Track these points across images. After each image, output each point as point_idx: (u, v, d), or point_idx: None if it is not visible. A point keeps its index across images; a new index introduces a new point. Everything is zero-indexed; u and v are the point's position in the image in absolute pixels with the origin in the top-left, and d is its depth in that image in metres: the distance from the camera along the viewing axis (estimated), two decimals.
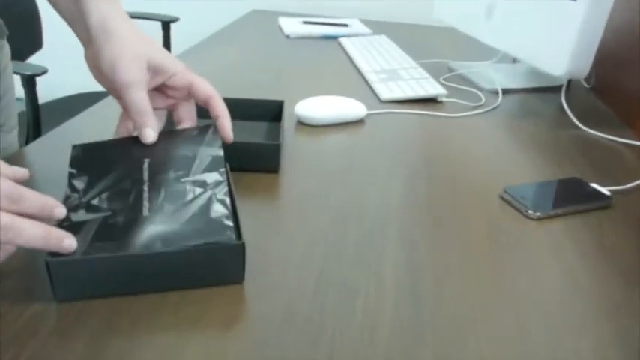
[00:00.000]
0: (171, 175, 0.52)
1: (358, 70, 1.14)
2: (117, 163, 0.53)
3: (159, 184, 0.51)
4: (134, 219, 0.48)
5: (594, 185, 0.69)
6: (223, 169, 0.53)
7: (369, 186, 0.68)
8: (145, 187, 0.51)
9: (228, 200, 0.50)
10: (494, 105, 0.97)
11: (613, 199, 0.67)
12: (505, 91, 1.04)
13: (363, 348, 0.43)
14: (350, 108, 0.86)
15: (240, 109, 0.81)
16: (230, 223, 0.48)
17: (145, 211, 0.48)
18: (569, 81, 1.05)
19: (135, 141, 0.56)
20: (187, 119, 0.61)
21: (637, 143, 0.84)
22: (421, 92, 0.97)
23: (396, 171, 0.72)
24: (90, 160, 0.54)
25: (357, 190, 0.67)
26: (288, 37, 1.38)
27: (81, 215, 0.48)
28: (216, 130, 0.58)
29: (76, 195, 0.50)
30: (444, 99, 0.97)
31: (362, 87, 1.04)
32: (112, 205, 0.49)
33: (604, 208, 0.66)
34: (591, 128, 0.89)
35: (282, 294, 0.48)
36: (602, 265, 0.56)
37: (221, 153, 0.55)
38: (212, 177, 0.52)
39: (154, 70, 0.56)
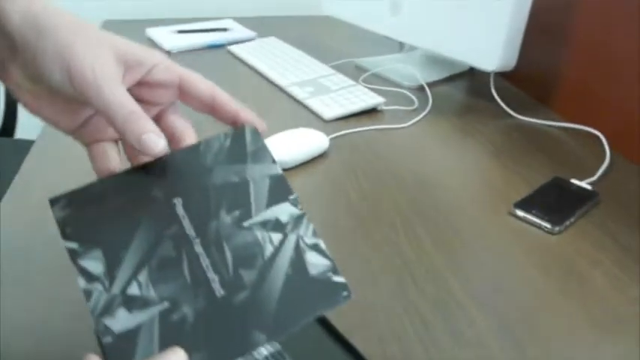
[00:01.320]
0: (226, 219, 0.36)
1: (273, 84, 1.06)
2: (134, 216, 0.36)
3: (215, 239, 0.35)
4: (208, 307, 0.33)
5: (576, 182, 0.75)
6: (294, 195, 0.38)
7: (386, 228, 0.65)
8: (199, 248, 0.35)
9: (322, 243, 0.36)
10: (429, 106, 0.99)
11: (599, 194, 0.72)
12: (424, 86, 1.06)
13: None
14: (313, 140, 0.81)
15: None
16: (342, 279, 0.35)
17: (218, 290, 0.34)
18: (472, 68, 1.11)
19: (139, 174, 0.38)
20: (184, 130, 0.41)
21: (571, 125, 0.92)
22: (362, 104, 0.94)
23: (400, 205, 0.70)
24: (89, 220, 0.35)
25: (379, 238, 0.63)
26: (169, 52, 1.23)
27: (123, 319, 0.32)
28: (255, 132, 0.40)
29: (98, 286, 0.33)
30: (383, 107, 0.96)
31: (292, 107, 0.98)
32: (163, 290, 0.33)
33: (596, 204, 0.71)
34: (523, 115, 0.95)
35: None
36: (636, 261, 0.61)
37: (278, 169, 0.39)
38: (284, 210, 0.37)
39: (124, 62, 0.38)
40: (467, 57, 0.96)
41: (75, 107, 0.40)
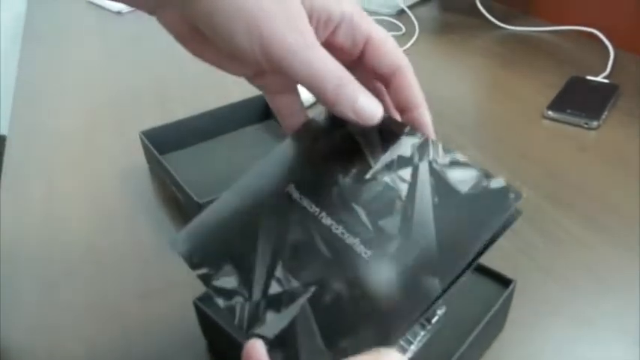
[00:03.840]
0: (346, 181, 0.32)
1: None
2: (253, 219, 0.32)
3: (341, 203, 0.31)
4: (359, 273, 0.29)
5: (593, 78, 0.75)
6: (407, 127, 0.33)
7: None
8: (327, 220, 0.31)
9: (460, 156, 0.31)
10: (416, 29, 0.95)
11: (619, 86, 0.73)
12: (405, 12, 1.02)
13: None
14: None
15: (218, 121, 0.66)
16: (501, 182, 0.30)
17: (363, 251, 0.29)
18: None
19: (244, 178, 0.34)
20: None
21: (563, 27, 0.92)
22: None
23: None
24: (211, 241, 0.33)
25: None
26: (120, 13, 1.12)
27: (274, 321, 0.29)
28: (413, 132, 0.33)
29: (239, 299, 0.30)
30: None
31: None
32: (306, 276, 0.29)
33: (620, 95, 0.72)
34: (513, 25, 0.94)
35: None
36: None
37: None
38: (404, 144, 0.32)
39: (316, 17, 0.30)
40: None
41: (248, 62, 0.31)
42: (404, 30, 0.95)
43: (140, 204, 0.58)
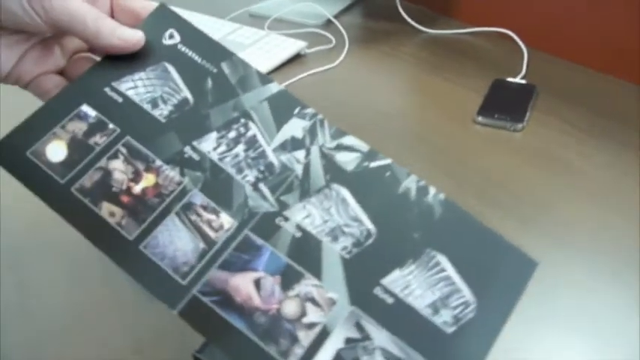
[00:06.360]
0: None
1: None
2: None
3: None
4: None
5: (512, 80, 0.82)
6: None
7: None
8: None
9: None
10: (346, 40, 0.99)
11: (536, 86, 0.80)
12: (331, 21, 1.06)
13: None
14: None
15: None
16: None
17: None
18: None
19: None
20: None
21: (481, 29, 0.98)
22: (286, 53, 0.92)
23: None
24: None
25: None
26: None
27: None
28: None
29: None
30: (305, 51, 0.95)
31: None
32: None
33: (538, 95, 0.79)
34: (434, 29, 1.00)
35: None
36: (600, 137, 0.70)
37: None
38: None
39: None
40: None
41: (10, 41, 0.37)
42: (334, 42, 0.99)
43: None
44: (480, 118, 0.74)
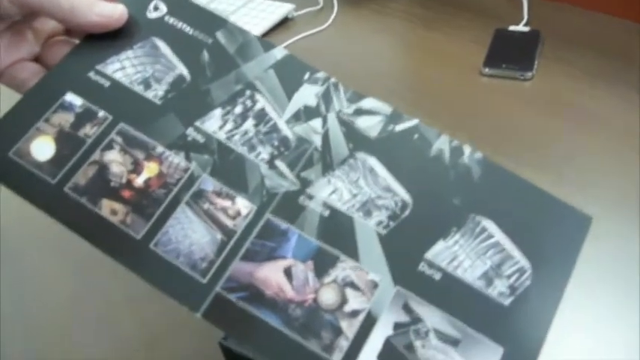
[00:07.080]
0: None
1: None
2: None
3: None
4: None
5: (515, 28, 0.77)
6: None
7: None
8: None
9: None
10: (335, 3, 0.94)
11: (540, 32, 0.76)
12: None
13: None
14: None
15: None
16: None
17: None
18: None
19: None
20: None
21: None
22: (274, 17, 0.87)
23: None
24: None
25: None
26: None
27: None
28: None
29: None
30: (294, 14, 0.90)
31: None
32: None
33: (543, 42, 0.75)
34: None
35: None
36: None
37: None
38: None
39: None
40: None
41: None
42: (321, 4, 0.94)
43: None
44: (486, 70, 0.70)
